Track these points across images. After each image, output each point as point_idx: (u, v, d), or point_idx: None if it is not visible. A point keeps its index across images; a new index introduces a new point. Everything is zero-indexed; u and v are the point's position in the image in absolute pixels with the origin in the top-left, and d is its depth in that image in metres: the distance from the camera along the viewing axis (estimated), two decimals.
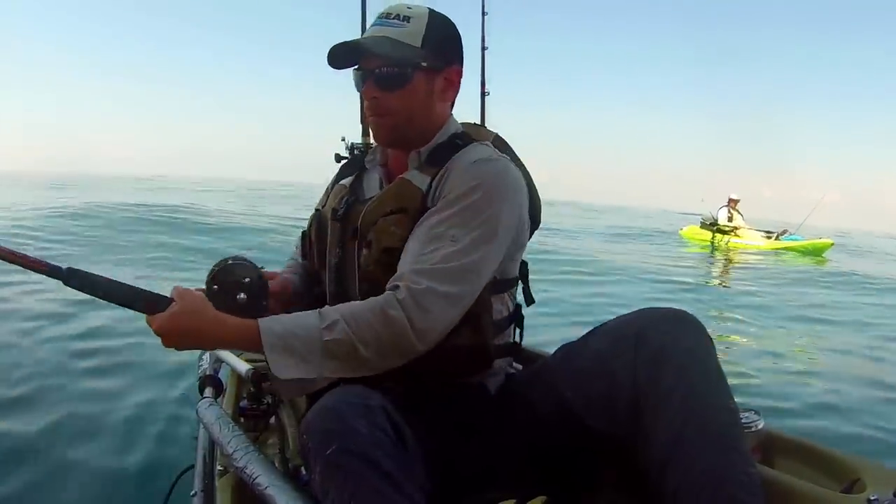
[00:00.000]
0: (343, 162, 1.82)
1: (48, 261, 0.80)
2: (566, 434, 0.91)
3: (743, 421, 0.90)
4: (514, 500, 0.89)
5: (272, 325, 0.80)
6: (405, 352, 0.84)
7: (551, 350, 1.05)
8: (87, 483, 2.01)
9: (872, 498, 0.81)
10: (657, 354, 0.79)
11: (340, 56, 0.97)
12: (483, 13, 1.96)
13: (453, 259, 0.86)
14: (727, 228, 11.74)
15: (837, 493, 0.88)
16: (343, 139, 1.81)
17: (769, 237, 11.86)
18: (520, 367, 1.19)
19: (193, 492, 1.26)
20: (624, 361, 0.82)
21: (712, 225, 11.90)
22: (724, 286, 7.70)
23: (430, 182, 0.95)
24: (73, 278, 0.78)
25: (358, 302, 0.87)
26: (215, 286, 0.87)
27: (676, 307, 0.87)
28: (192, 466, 1.36)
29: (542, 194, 1.06)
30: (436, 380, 0.95)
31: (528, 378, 1.00)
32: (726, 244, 11.67)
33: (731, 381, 0.81)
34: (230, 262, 0.90)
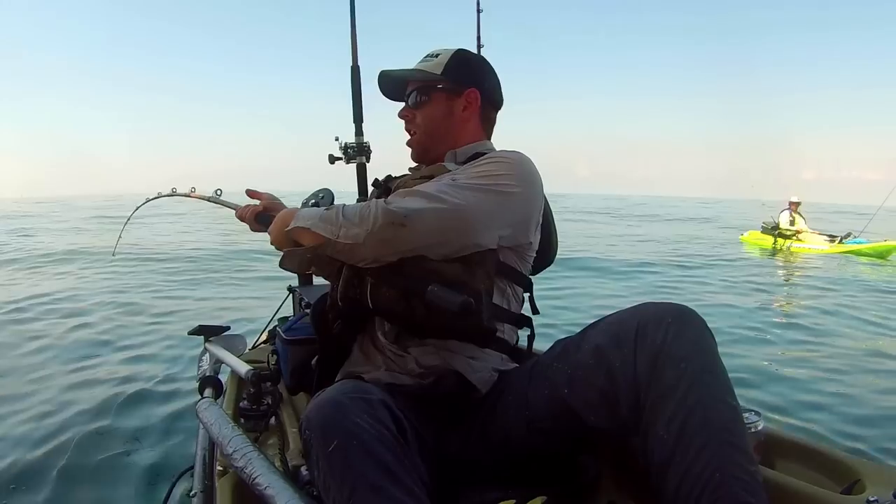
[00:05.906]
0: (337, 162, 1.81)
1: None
2: (564, 431, 0.90)
3: None
4: (513, 501, 0.88)
5: (305, 207, 1.11)
6: (369, 216, 0.92)
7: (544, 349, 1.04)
8: (88, 483, 2.01)
9: (872, 499, 0.80)
10: (658, 350, 0.78)
11: (391, 89, 1.21)
12: (478, 10, 1.95)
13: (445, 185, 0.96)
14: (789, 232, 11.47)
15: (837, 493, 0.88)
16: (336, 139, 1.79)
17: (832, 241, 11.34)
18: (515, 365, 1.19)
19: (193, 492, 1.26)
20: (624, 357, 0.80)
21: (773, 229, 11.67)
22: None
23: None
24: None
25: None
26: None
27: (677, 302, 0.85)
28: (192, 466, 1.37)
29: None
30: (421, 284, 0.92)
31: (523, 375, 0.98)
32: (788, 249, 11.32)
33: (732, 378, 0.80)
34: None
